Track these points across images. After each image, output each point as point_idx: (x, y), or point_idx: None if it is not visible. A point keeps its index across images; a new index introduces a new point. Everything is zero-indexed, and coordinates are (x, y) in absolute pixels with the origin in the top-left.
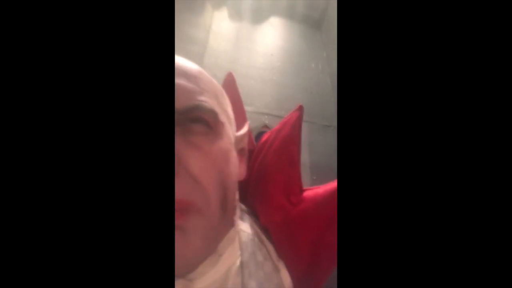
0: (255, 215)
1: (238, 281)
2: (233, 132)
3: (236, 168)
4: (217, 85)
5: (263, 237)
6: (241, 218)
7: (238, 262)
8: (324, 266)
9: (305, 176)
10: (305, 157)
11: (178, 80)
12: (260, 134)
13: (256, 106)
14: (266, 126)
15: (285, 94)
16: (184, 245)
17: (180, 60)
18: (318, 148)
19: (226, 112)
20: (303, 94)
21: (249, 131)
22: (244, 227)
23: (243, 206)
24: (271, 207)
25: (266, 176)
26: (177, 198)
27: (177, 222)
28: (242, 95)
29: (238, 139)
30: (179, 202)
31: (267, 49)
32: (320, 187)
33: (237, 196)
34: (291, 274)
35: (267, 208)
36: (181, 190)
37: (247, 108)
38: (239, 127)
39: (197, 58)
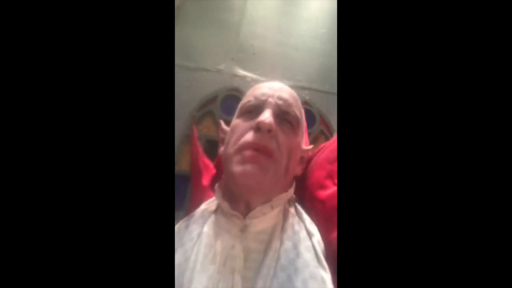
0: (301, 200)
1: (279, 238)
2: (302, 141)
3: (298, 160)
4: (301, 106)
5: (302, 213)
6: (290, 203)
7: (280, 225)
8: None
9: None
10: None
11: (285, 95)
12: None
13: (295, 80)
14: (306, 103)
15: (330, 65)
16: (262, 174)
17: (288, 88)
18: None
19: (303, 126)
20: None
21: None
22: (290, 207)
23: (293, 195)
24: (317, 186)
25: (319, 166)
26: (267, 145)
27: (262, 161)
28: (281, 67)
29: (303, 150)
30: (267, 148)
31: (311, 14)
32: None
33: (293, 181)
34: (324, 238)
35: (314, 187)
36: (271, 143)
37: (286, 82)
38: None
39: (234, 27)
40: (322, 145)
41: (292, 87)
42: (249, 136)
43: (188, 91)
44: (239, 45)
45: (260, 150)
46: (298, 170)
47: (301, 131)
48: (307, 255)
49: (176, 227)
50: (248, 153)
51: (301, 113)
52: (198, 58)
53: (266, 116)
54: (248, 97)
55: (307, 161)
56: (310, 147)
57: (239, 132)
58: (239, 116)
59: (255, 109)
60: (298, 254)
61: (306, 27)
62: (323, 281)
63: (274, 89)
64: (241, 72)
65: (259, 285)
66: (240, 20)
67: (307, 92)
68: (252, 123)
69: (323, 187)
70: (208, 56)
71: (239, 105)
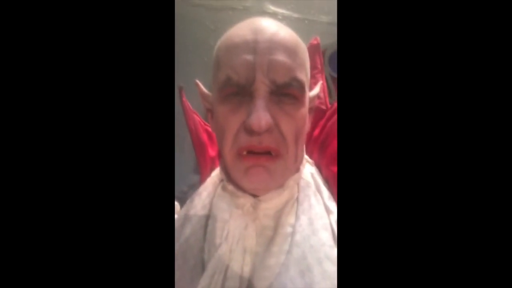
0: (318, 166)
1: (293, 211)
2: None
3: (308, 128)
4: (306, 52)
5: (321, 185)
6: (305, 168)
7: (295, 198)
8: None
9: None
10: None
11: (279, 56)
12: (336, 54)
13: (334, 15)
14: None
15: None
16: (269, 177)
17: (282, 31)
18: None
19: (307, 77)
20: None
21: (324, 89)
22: (305, 175)
23: (308, 159)
24: (335, 159)
25: (335, 134)
26: (273, 147)
27: (267, 163)
28: (318, 1)
29: (311, 99)
30: (270, 148)
31: None
32: None
33: (303, 150)
34: None
35: (331, 160)
36: (275, 143)
37: (323, 17)
38: (313, 86)
39: None
40: None
41: (330, 23)
42: (244, 140)
43: (214, 34)
44: None
45: (261, 153)
46: (307, 128)
47: (307, 84)
48: (324, 234)
49: (191, 197)
50: (248, 161)
51: (305, 63)
52: None
53: (260, 111)
54: (225, 69)
55: (327, 113)
56: (316, 91)
57: (230, 129)
58: (222, 101)
59: (240, 91)
60: (314, 231)
61: None
62: None
63: (260, 49)
64: (271, 8)
65: (272, 262)
66: None
67: None
68: (241, 115)
69: None
70: None
71: (215, 82)
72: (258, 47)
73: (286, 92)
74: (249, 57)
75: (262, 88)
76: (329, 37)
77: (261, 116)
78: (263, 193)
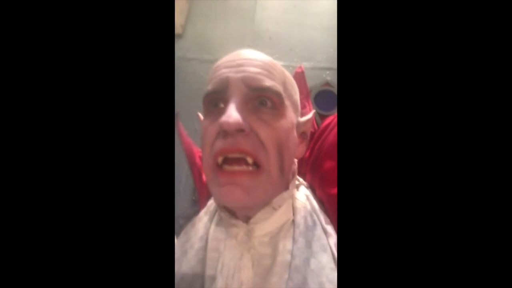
0: (313, 189)
1: (290, 235)
2: (296, 117)
3: (295, 145)
4: (287, 75)
5: (317, 207)
6: (299, 190)
7: (290, 221)
8: None
9: None
10: None
11: (253, 67)
12: (321, 93)
13: (315, 61)
14: (328, 84)
15: None
16: (247, 195)
17: (259, 54)
18: None
19: (291, 98)
20: None
21: (313, 118)
22: (300, 196)
23: (303, 181)
24: (328, 180)
25: (327, 154)
26: (249, 151)
27: (243, 181)
28: (299, 49)
29: (301, 124)
30: (249, 153)
31: None
32: None
33: (294, 168)
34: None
35: (325, 181)
36: (252, 147)
37: (305, 64)
38: (304, 114)
39: (248, 13)
40: (328, 120)
41: (312, 68)
42: (219, 144)
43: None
44: (254, 31)
45: (237, 161)
46: (300, 152)
47: (292, 105)
48: (323, 256)
49: (185, 229)
50: (222, 177)
51: (284, 82)
52: (215, 50)
53: (230, 111)
54: (209, 83)
55: (314, 136)
56: (311, 115)
57: (208, 138)
58: (206, 114)
59: (218, 99)
60: (313, 254)
61: (323, 5)
62: None
63: (235, 63)
64: None
65: None
66: (253, 6)
67: (328, 72)
68: (218, 123)
69: (336, 183)
70: (225, 46)
71: (203, 97)
72: (232, 63)
73: (261, 99)
74: (226, 70)
75: (236, 92)
76: (313, 80)
77: (230, 115)
78: (250, 212)
